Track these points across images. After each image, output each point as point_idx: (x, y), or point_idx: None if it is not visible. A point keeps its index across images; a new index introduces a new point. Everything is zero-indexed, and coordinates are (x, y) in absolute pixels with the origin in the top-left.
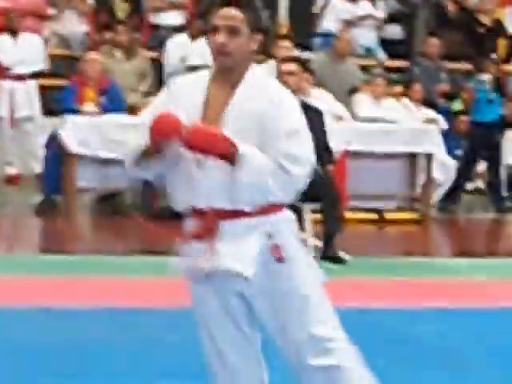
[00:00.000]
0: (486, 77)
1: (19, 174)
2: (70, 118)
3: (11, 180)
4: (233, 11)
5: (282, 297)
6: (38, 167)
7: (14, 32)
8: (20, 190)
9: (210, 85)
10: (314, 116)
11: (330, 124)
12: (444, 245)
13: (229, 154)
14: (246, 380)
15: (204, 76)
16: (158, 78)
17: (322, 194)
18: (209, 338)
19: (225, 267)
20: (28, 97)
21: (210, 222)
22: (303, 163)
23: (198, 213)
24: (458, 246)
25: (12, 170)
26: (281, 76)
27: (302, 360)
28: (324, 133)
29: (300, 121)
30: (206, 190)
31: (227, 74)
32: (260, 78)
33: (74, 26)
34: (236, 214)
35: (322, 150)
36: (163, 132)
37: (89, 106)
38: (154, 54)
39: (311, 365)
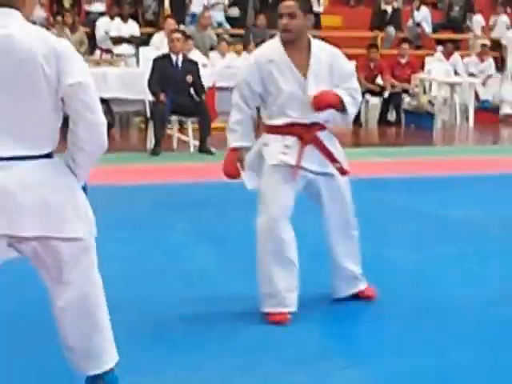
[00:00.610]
0: None
1: None
2: None
3: None
4: (289, 2)
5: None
6: None
7: None
8: None
9: (288, 53)
10: (193, 65)
11: (201, 70)
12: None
13: (339, 103)
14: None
15: (277, 46)
16: (91, 44)
17: (199, 112)
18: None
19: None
20: None
21: (313, 131)
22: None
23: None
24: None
25: None
26: (172, 41)
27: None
28: (199, 75)
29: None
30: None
31: (296, 44)
32: (316, 42)
33: (37, 12)
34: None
35: (199, 85)
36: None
37: None
38: (88, 30)
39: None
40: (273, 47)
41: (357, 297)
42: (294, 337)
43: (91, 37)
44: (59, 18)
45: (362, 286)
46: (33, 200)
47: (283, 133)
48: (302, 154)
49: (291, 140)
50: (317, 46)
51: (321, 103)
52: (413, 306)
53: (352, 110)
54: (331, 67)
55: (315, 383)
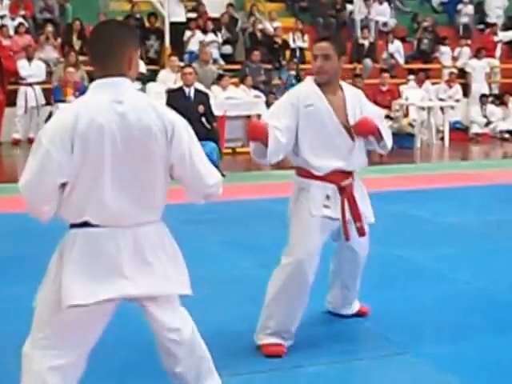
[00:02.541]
0: (292, 72)
1: (21, 139)
2: (61, 105)
3: (16, 142)
4: (324, 43)
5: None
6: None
7: (29, 58)
8: (24, 149)
9: (325, 96)
10: (204, 96)
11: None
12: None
13: (378, 133)
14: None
15: (314, 89)
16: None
17: (212, 138)
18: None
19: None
20: (35, 95)
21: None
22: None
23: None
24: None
25: (17, 136)
26: (184, 75)
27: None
28: (210, 105)
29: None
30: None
31: (329, 86)
32: (343, 83)
33: (50, 53)
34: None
35: (210, 114)
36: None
37: (70, 98)
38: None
39: None
40: (310, 90)
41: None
42: (349, 329)
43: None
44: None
45: (357, 307)
46: (153, 262)
47: (323, 180)
48: (344, 209)
49: (331, 189)
50: (346, 87)
51: (366, 127)
52: (442, 297)
53: (388, 136)
54: (360, 108)
55: (374, 367)
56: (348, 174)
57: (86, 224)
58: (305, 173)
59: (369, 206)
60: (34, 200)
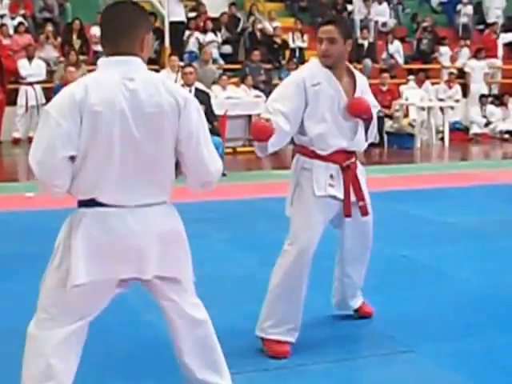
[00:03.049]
0: (292, 71)
1: (21, 138)
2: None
3: (16, 142)
4: (329, 27)
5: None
6: None
7: (29, 57)
8: (24, 148)
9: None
10: (204, 95)
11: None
12: (269, 163)
13: (370, 116)
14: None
15: (321, 69)
16: None
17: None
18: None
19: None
20: (35, 94)
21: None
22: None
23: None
24: (277, 163)
25: (18, 135)
26: (185, 74)
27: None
28: (210, 105)
29: None
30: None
31: (334, 69)
32: (350, 67)
33: (50, 53)
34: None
35: (211, 114)
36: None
37: None
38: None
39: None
40: (316, 69)
41: (356, 312)
42: (354, 328)
43: None
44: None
45: (360, 302)
46: (158, 245)
47: (326, 160)
48: (349, 187)
49: (335, 169)
50: (358, 74)
51: (360, 106)
52: (445, 295)
53: (372, 130)
54: (365, 95)
55: (379, 366)
56: (350, 154)
57: (93, 203)
58: (308, 152)
59: (366, 187)
60: (45, 173)
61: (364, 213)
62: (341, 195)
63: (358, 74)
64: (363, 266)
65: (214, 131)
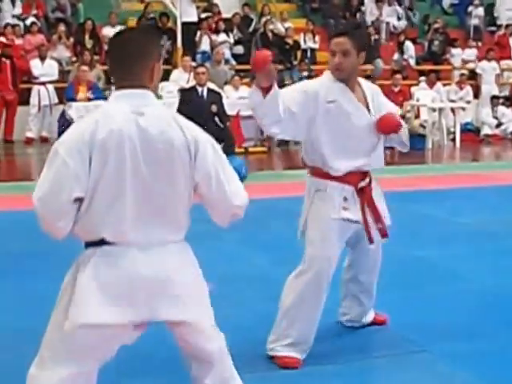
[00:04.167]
0: (304, 72)
1: (34, 138)
2: (74, 104)
3: (29, 141)
4: (342, 39)
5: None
6: (52, 133)
7: (42, 57)
8: (37, 147)
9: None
10: (216, 95)
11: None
12: (281, 163)
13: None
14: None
15: (338, 85)
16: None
17: (224, 137)
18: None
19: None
20: (48, 94)
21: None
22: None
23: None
24: (289, 163)
25: (31, 135)
26: (197, 74)
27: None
28: (222, 105)
29: None
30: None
31: (348, 83)
32: (361, 79)
33: (62, 53)
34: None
35: (223, 114)
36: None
37: (81, 95)
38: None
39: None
40: (332, 85)
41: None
42: (367, 328)
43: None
44: (80, 57)
45: (372, 315)
46: (170, 287)
47: (341, 181)
48: (365, 211)
49: (349, 191)
50: (364, 82)
51: (391, 124)
52: (458, 295)
53: (406, 134)
54: (378, 105)
55: (392, 366)
56: (365, 174)
57: (102, 242)
58: (321, 173)
59: (385, 208)
60: (47, 214)
61: (383, 235)
62: (356, 217)
63: (367, 83)
64: (375, 281)
65: (223, 135)
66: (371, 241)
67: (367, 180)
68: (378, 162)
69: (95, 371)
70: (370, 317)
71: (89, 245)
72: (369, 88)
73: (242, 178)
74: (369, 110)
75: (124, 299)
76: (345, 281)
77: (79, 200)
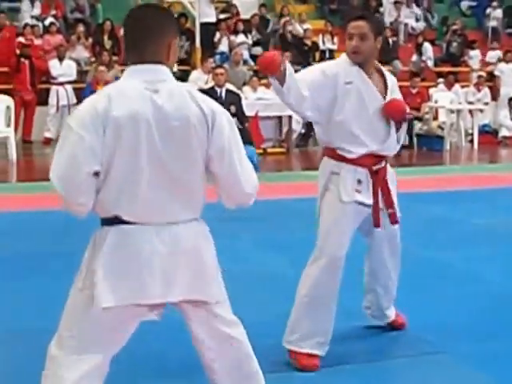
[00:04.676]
0: None
1: (52, 138)
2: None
3: (47, 141)
4: (361, 22)
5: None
6: None
7: (60, 58)
8: (55, 148)
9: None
10: (235, 96)
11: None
12: (299, 164)
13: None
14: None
15: (355, 68)
16: None
17: (242, 138)
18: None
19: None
20: (66, 94)
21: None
22: None
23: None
24: (307, 164)
25: (49, 135)
26: (216, 75)
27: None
28: (241, 106)
29: None
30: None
31: (364, 67)
32: (378, 64)
33: (81, 53)
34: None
35: (242, 114)
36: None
37: None
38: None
39: None
40: (349, 67)
41: (389, 324)
42: (385, 328)
43: None
44: (99, 58)
45: (394, 313)
46: (185, 266)
47: (355, 163)
48: (377, 193)
49: (363, 174)
50: (385, 71)
51: (398, 108)
52: (475, 297)
53: (403, 133)
54: (396, 94)
55: (410, 366)
56: (380, 158)
57: (117, 220)
58: (335, 155)
59: (395, 194)
60: (68, 190)
61: (393, 221)
62: (369, 201)
63: (387, 72)
64: (396, 274)
65: (245, 139)
66: (377, 224)
67: (382, 164)
68: (393, 148)
69: (108, 363)
70: (391, 313)
71: (104, 222)
72: (390, 76)
73: (255, 167)
74: (385, 97)
75: (140, 279)
76: (365, 274)
77: (97, 174)
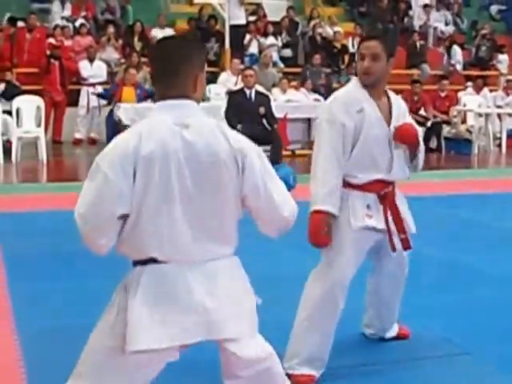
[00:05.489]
0: (351, 76)
1: (82, 139)
2: (122, 104)
3: (77, 142)
4: (373, 42)
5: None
6: (101, 135)
7: (91, 59)
8: (85, 148)
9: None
10: (264, 98)
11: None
12: None
13: (418, 144)
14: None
15: (363, 92)
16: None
17: (272, 140)
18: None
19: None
20: (96, 94)
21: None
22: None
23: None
24: None
25: (79, 136)
26: (245, 77)
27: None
28: (270, 107)
29: None
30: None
31: (375, 89)
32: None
33: (111, 54)
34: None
35: (271, 116)
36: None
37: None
38: None
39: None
40: (358, 93)
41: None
42: (412, 330)
43: None
44: (129, 59)
45: (396, 331)
46: (223, 303)
47: (362, 189)
48: (388, 219)
49: (372, 199)
50: (393, 96)
51: (407, 133)
52: (501, 299)
53: (421, 158)
54: (404, 118)
55: (435, 368)
56: (388, 183)
57: (151, 260)
58: (344, 181)
59: (409, 215)
60: (90, 231)
61: (406, 246)
62: (380, 225)
63: (393, 95)
64: (400, 295)
65: (274, 140)
66: (394, 249)
67: (390, 188)
68: (400, 175)
69: None
70: (393, 332)
71: (137, 263)
72: (396, 99)
73: (290, 188)
74: (389, 123)
75: (176, 321)
76: (368, 292)
77: (124, 217)
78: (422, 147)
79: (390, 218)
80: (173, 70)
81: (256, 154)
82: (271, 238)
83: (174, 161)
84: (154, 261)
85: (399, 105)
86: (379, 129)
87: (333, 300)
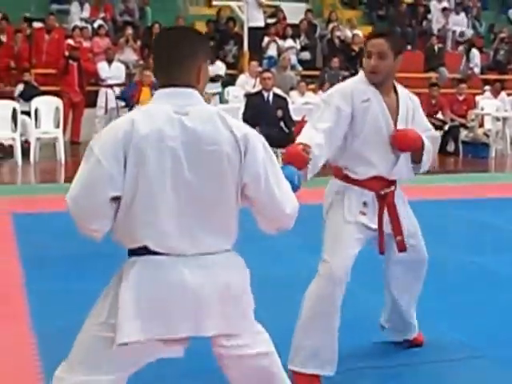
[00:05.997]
0: None
1: None
2: (142, 107)
3: None
4: (380, 40)
5: None
6: None
7: (109, 60)
8: None
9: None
10: (282, 101)
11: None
12: None
13: (421, 146)
14: None
15: (371, 89)
16: None
17: (289, 142)
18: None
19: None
20: (114, 96)
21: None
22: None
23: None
24: None
25: None
26: (263, 79)
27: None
28: (288, 110)
29: None
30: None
31: (382, 87)
32: (398, 85)
33: (130, 56)
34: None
35: (288, 119)
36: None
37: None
38: None
39: None
40: (364, 86)
41: (407, 342)
42: (423, 331)
43: None
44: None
45: (414, 333)
46: (217, 299)
47: (361, 185)
48: (382, 219)
49: (369, 196)
50: (401, 89)
51: (404, 140)
52: None
53: (426, 159)
54: (413, 115)
55: (449, 370)
56: (389, 182)
57: (145, 251)
58: (341, 175)
59: (412, 217)
60: (81, 215)
61: (401, 249)
62: (373, 225)
63: (403, 92)
64: (413, 299)
65: (288, 139)
66: (381, 251)
67: (392, 188)
68: (403, 174)
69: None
70: (409, 336)
71: (132, 253)
72: (404, 95)
73: (295, 188)
74: (396, 120)
75: (169, 312)
76: (385, 290)
77: (116, 200)
78: (428, 148)
79: (385, 219)
80: (177, 59)
81: (260, 143)
82: (271, 235)
83: (170, 148)
84: (148, 252)
85: (408, 100)
86: (384, 123)
87: (332, 292)
